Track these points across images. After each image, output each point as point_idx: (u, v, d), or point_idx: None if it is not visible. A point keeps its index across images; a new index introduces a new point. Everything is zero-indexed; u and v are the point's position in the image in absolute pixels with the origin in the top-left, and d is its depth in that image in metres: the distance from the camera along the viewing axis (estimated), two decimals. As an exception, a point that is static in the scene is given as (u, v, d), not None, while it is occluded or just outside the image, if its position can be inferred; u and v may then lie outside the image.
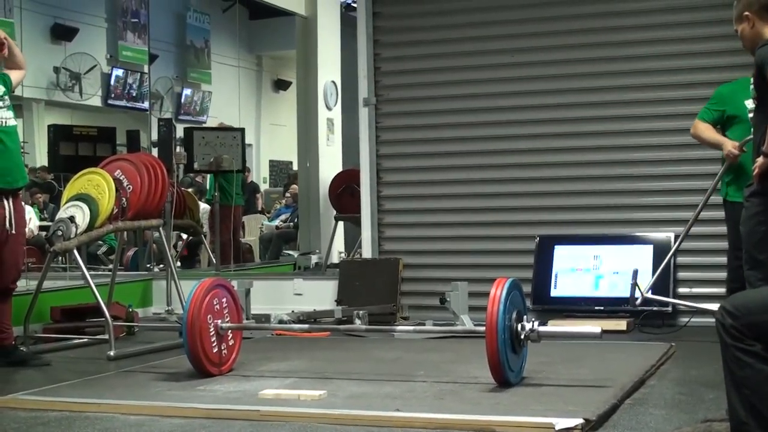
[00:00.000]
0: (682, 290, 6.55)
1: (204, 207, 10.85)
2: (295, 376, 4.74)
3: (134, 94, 14.29)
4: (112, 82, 14.01)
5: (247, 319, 6.09)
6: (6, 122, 5.43)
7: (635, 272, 5.94)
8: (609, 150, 6.88)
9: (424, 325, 6.36)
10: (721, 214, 5.63)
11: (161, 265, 8.78)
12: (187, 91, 15.85)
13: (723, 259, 6.26)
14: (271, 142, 17.25)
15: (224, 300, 4.88)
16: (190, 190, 11.13)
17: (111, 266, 7.88)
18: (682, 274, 6.57)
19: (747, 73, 5.51)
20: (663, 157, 6.76)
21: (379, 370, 4.97)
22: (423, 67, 7.34)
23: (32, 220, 9.65)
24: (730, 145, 5.31)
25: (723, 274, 6.27)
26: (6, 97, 5.48)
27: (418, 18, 7.36)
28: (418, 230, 7.35)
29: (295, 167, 13.69)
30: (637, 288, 5.86)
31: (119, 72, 14.18)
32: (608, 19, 6.90)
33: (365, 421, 3.72)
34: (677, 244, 6.06)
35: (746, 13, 3.88)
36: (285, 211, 13.19)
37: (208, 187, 11.05)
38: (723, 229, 5.98)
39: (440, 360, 5.22)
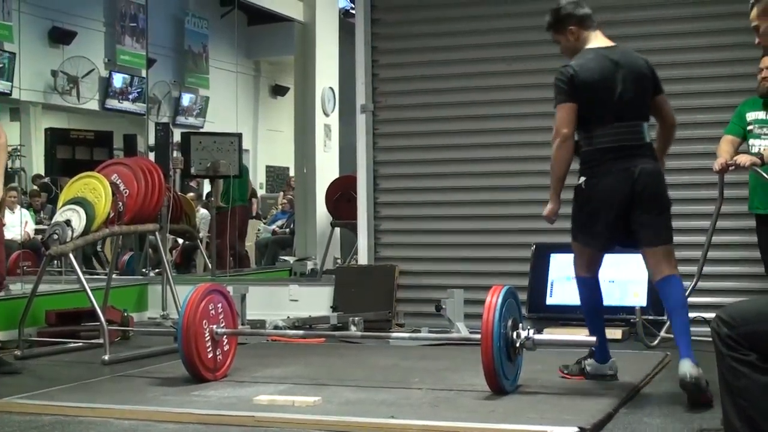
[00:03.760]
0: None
1: (203, 213, 10.83)
2: (290, 382, 4.73)
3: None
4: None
5: (242, 324, 6.09)
6: None
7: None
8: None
9: (419, 332, 6.35)
10: (721, 224, 5.68)
11: (157, 270, 8.77)
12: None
13: (721, 269, 6.29)
14: (269, 148, 17.23)
15: (220, 305, 4.87)
16: (189, 195, 11.11)
17: (107, 269, 7.88)
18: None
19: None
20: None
21: (374, 376, 4.96)
22: (421, 74, 7.32)
23: (28, 223, 9.64)
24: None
25: (719, 284, 6.29)
26: None
27: (417, 25, 7.35)
28: (414, 237, 7.34)
29: (291, 173, 13.67)
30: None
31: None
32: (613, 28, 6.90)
33: (360, 428, 3.72)
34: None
35: None
36: (281, 217, 13.18)
37: (203, 192, 11.00)
38: (722, 239, 6.00)
39: (435, 367, 5.21)
